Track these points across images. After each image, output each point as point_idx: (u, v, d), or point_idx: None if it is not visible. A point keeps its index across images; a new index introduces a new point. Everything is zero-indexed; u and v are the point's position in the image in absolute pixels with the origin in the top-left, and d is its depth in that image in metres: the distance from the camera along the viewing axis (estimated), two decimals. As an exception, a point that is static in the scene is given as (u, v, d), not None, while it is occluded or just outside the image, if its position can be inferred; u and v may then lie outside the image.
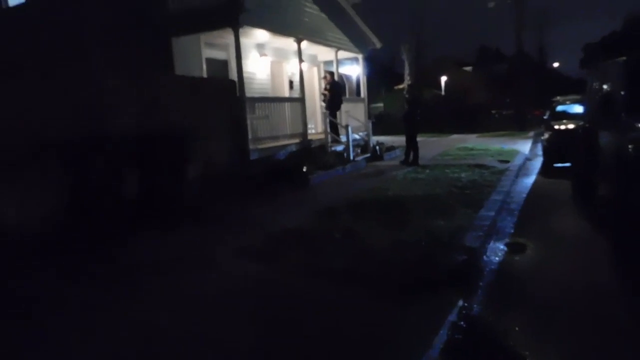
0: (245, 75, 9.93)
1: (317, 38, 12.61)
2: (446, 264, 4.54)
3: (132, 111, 7.05)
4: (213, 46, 11.31)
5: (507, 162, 11.81)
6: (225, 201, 7.82)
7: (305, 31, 11.92)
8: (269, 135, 10.55)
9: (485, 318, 3.62)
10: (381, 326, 3.45)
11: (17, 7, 11.56)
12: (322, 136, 12.85)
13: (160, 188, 6.98)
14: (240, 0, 9.19)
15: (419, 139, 12.54)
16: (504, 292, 4.15)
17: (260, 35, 11.21)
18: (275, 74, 13.79)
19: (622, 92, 5.63)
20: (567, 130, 9.95)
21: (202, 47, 11.01)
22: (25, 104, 6.17)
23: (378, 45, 15.83)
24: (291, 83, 14.46)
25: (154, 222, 6.51)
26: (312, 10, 12.39)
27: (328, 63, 15.58)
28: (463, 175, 9.76)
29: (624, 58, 5.77)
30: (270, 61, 13.28)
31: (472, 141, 18.62)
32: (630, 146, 4.88)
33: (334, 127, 12.95)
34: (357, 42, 14.91)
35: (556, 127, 10.39)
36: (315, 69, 15.89)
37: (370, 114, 17.36)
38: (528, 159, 12.97)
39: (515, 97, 27.83)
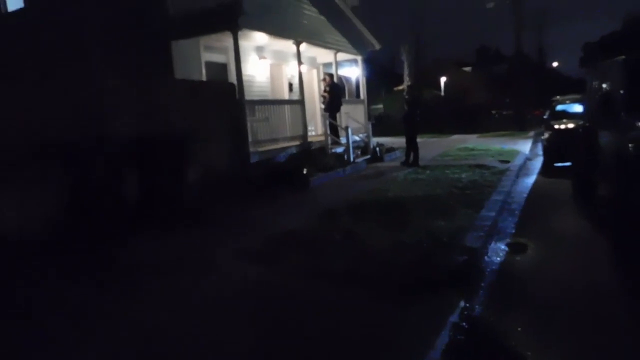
0: (244, 78, 9.94)
1: (316, 40, 12.63)
2: (447, 265, 4.53)
3: (132, 114, 7.06)
4: (212, 49, 11.32)
5: (508, 162, 11.80)
6: (226, 203, 7.82)
7: (304, 34, 11.94)
8: (269, 137, 10.55)
9: (487, 319, 3.61)
10: (382, 327, 3.44)
11: (17, 12, 11.58)
12: (322, 138, 12.85)
13: (160, 190, 6.99)
14: (239, 4, 9.21)
15: (419, 139, 12.55)
16: (506, 293, 4.15)
17: (259, 38, 11.22)
18: (274, 76, 13.80)
19: (622, 91, 5.63)
20: (567, 129, 9.95)
21: (202, 51, 11.02)
22: (26, 105, 6.21)
23: (377, 46, 15.85)
24: (291, 85, 14.47)
25: (154, 223, 6.51)
26: (311, 12, 12.40)
27: (327, 65, 15.59)
28: (464, 175, 9.75)
29: (623, 57, 5.77)
30: (270, 64, 13.30)
31: (472, 141, 18.61)
32: (630, 145, 4.88)
33: (333, 129, 12.95)
34: (356, 44, 14.92)
35: (556, 126, 10.39)
36: (314, 71, 15.91)
37: (370, 116, 17.36)
38: (528, 158, 12.97)
39: (515, 97, 27.82)
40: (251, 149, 9.75)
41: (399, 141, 14.80)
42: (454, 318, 3.51)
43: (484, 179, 9.28)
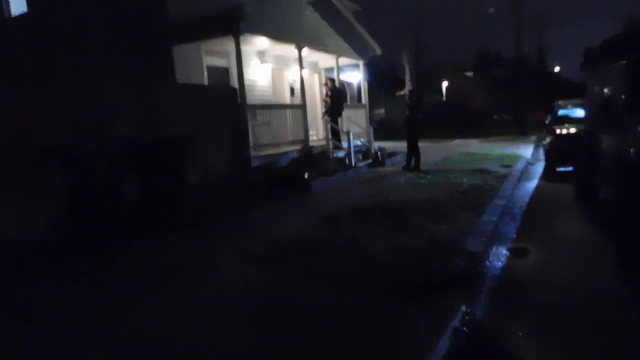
0: (246, 82, 9.96)
1: (318, 45, 12.66)
2: (448, 269, 4.52)
3: (133, 117, 7.09)
4: (214, 54, 11.36)
5: (509, 166, 11.78)
6: (226, 207, 7.82)
7: (305, 38, 11.97)
8: (270, 142, 10.56)
9: (489, 323, 3.60)
10: (383, 331, 3.43)
11: (21, 17, 11.65)
12: (324, 142, 12.86)
13: (161, 193, 6.99)
14: (240, 8, 9.24)
15: (420, 144, 12.54)
16: (507, 297, 4.14)
17: (261, 42, 11.26)
18: (276, 81, 13.83)
19: (623, 96, 5.63)
20: (568, 134, 9.96)
21: (203, 55, 11.06)
22: (27, 106, 6.26)
23: (378, 51, 15.88)
24: (292, 90, 14.50)
25: (154, 227, 6.50)
26: (313, 17, 12.45)
27: (329, 70, 15.62)
28: (465, 180, 9.74)
29: (624, 61, 5.77)
30: (271, 68, 13.33)
31: (473, 146, 18.62)
32: (631, 149, 4.88)
33: (335, 134, 12.96)
34: (358, 48, 14.96)
35: (558, 131, 10.39)
36: (316, 76, 15.94)
37: (371, 120, 17.39)
38: (530, 163, 12.96)
39: (516, 100, 27.80)
40: (252, 153, 9.76)
41: (401, 145, 14.80)
42: (455, 322, 3.50)
43: (486, 183, 9.27)
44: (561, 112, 11.85)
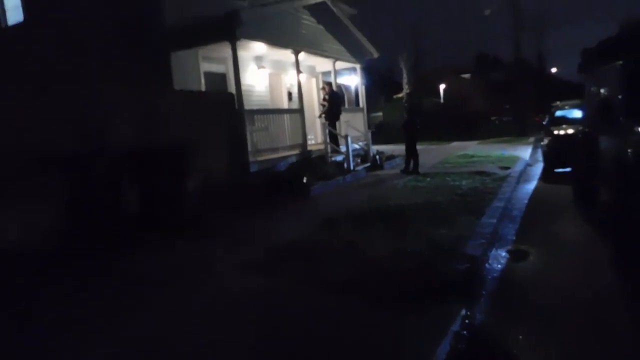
0: (243, 87, 9.96)
1: (315, 49, 12.67)
2: (448, 272, 4.51)
3: (131, 125, 7.08)
4: (211, 60, 11.36)
5: (508, 168, 11.78)
6: (226, 213, 7.81)
7: (302, 43, 11.98)
8: (268, 147, 10.56)
9: (489, 327, 3.59)
10: (383, 335, 3.41)
11: (16, 26, 11.67)
12: (322, 147, 12.85)
13: (160, 200, 7.00)
14: (236, 14, 9.25)
15: (419, 147, 12.54)
16: (507, 300, 4.12)
17: (257, 47, 11.27)
18: (273, 85, 13.84)
19: (620, 97, 5.62)
20: (566, 135, 9.95)
21: (200, 61, 11.06)
22: (27, 115, 6.25)
23: (375, 55, 15.90)
24: (290, 94, 14.50)
25: (154, 234, 6.51)
26: (309, 22, 12.46)
27: (326, 74, 15.63)
28: (464, 182, 9.73)
29: (621, 62, 5.77)
30: (269, 73, 13.34)
31: (472, 148, 18.62)
32: (629, 150, 4.87)
33: (333, 138, 12.96)
34: (355, 52, 14.98)
35: (556, 132, 10.39)
36: (313, 80, 15.95)
37: (369, 124, 17.37)
38: (529, 164, 12.96)
39: (514, 103, 27.85)
40: (251, 159, 9.75)
41: (399, 149, 14.81)
42: (455, 327, 3.48)
43: (485, 185, 9.26)
44: (559, 113, 11.87)
